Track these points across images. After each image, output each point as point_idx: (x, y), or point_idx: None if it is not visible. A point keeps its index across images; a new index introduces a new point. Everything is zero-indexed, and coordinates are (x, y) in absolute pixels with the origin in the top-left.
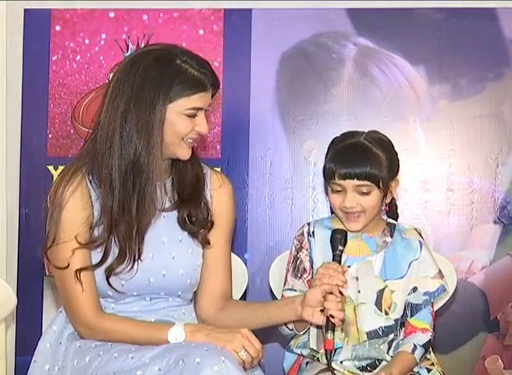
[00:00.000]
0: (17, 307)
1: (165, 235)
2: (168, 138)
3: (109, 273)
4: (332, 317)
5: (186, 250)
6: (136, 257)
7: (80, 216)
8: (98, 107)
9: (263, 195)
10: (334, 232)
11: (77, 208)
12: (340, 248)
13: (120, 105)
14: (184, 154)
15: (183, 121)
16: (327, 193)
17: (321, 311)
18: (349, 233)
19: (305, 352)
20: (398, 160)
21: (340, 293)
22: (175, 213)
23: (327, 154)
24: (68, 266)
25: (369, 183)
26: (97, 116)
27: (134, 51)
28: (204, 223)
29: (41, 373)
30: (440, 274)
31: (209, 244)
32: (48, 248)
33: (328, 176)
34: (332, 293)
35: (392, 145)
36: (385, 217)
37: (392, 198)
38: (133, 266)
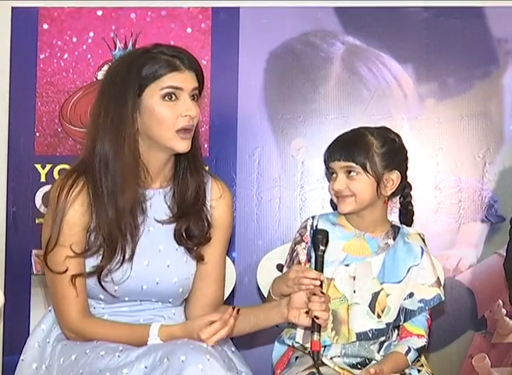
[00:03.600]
0: (5, 306)
1: (162, 243)
2: (157, 131)
3: (99, 270)
4: (318, 318)
5: (181, 259)
6: (127, 256)
7: (80, 220)
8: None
9: (251, 194)
10: (315, 232)
11: (78, 213)
12: (322, 248)
13: (106, 120)
14: (180, 146)
15: (161, 106)
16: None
17: (307, 312)
18: (350, 232)
19: (296, 344)
20: (401, 156)
21: (322, 293)
22: (173, 226)
23: None
24: (66, 270)
25: (354, 164)
26: (92, 129)
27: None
28: (202, 240)
29: (29, 372)
30: (438, 283)
31: (203, 260)
32: (49, 252)
33: (325, 161)
34: (315, 294)
35: (396, 141)
36: (390, 219)
37: (409, 203)
38: (122, 264)
